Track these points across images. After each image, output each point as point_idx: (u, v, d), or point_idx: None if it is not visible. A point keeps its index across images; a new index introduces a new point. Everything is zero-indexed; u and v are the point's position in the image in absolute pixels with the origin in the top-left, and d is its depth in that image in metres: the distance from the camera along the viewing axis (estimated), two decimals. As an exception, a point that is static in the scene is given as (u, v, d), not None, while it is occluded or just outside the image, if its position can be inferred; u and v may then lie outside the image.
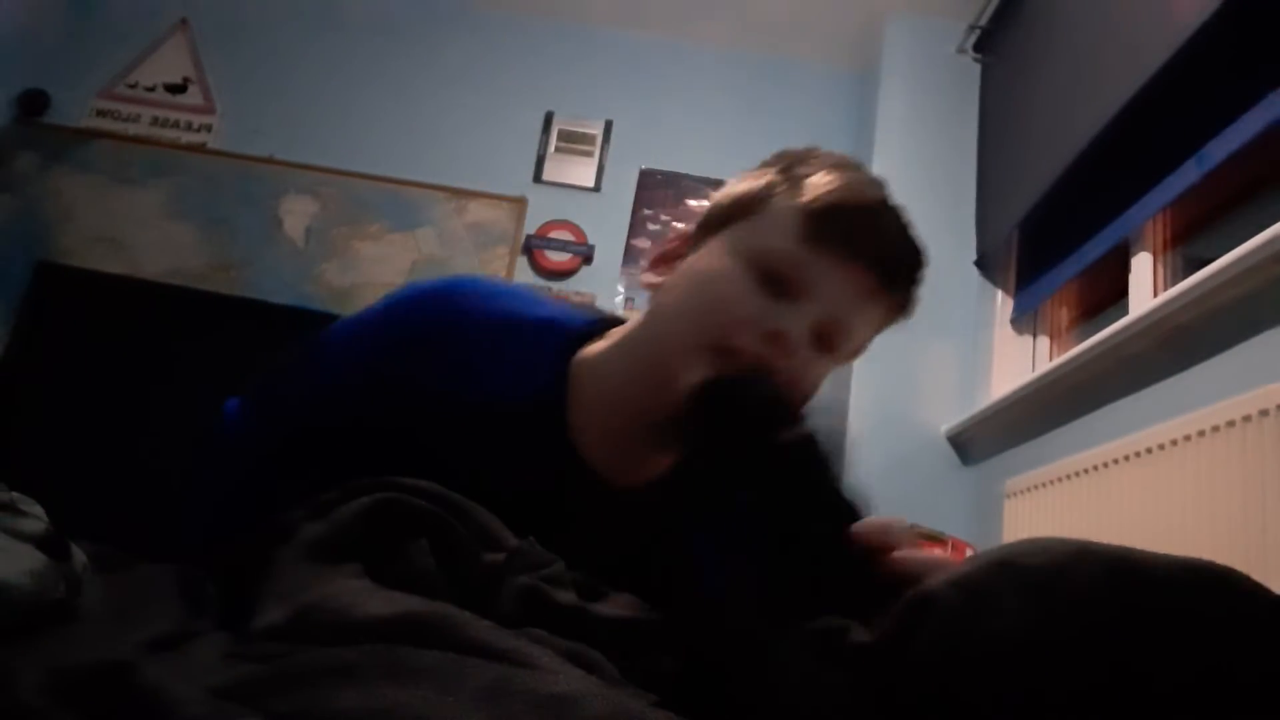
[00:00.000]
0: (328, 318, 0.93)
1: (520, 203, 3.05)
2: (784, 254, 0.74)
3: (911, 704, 0.41)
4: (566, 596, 0.51)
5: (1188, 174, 1.66)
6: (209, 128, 3.09)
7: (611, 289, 3.01)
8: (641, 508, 0.79)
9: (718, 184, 3.34)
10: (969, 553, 2.00)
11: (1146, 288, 1.86)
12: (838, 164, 0.83)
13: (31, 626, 0.42)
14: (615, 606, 0.55)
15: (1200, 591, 0.40)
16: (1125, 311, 1.77)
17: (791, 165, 0.82)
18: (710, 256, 0.77)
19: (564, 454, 0.77)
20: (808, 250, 0.75)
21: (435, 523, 0.55)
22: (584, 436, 0.78)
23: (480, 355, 0.78)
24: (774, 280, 0.74)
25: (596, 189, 3.11)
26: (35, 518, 0.48)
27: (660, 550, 0.78)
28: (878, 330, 0.86)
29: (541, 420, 0.78)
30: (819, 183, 0.79)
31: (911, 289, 0.84)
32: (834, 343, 0.78)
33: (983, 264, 2.64)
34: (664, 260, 0.82)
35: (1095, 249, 2.01)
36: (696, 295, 0.75)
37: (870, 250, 0.78)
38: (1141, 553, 0.43)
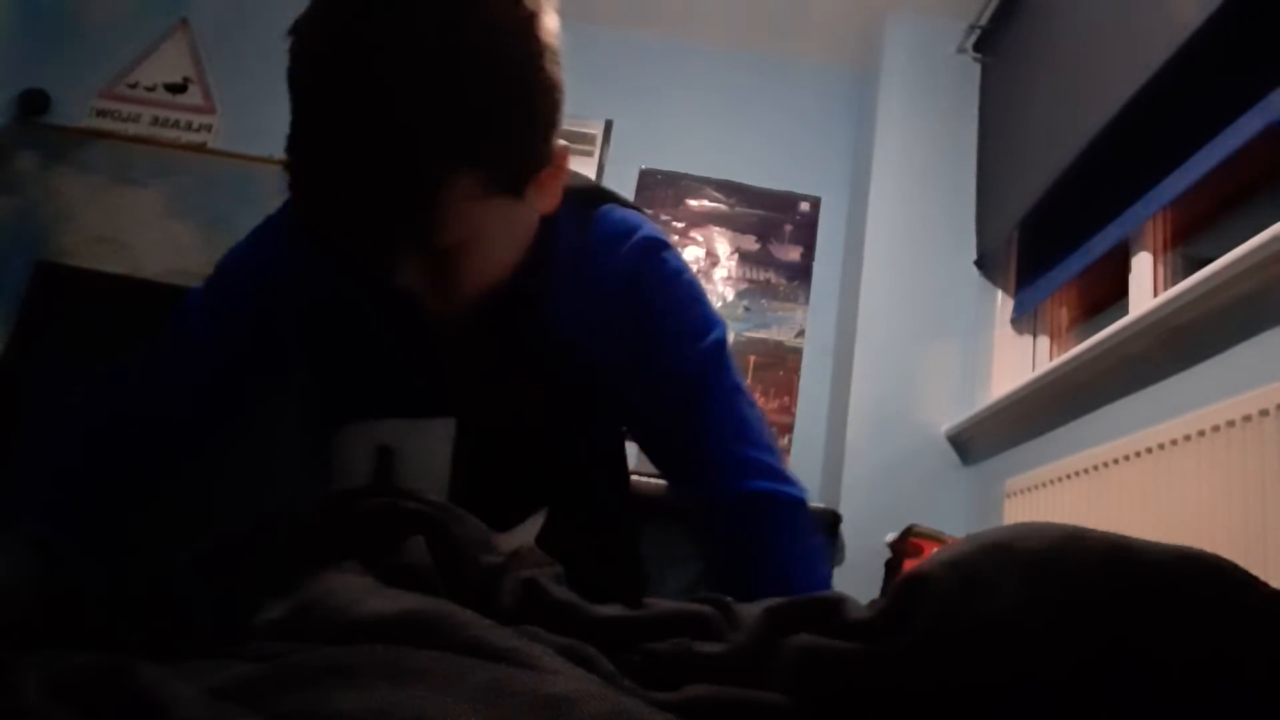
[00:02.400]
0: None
1: (520, 203, 3.05)
2: None
3: (906, 682, 0.42)
4: (561, 590, 0.51)
5: (1188, 174, 1.66)
6: (209, 128, 3.09)
7: (611, 289, 3.01)
8: (472, 320, 0.81)
9: (718, 184, 3.37)
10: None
11: (1146, 288, 1.86)
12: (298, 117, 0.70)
13: (29, 624, 0.42)
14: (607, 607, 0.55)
15: (1195, 577, 0.41)
16: (1125, 311, 1.76)
17: None
18: None
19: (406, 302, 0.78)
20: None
21: (431, 523, 0.56)
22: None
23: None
24: None
25: (596, 189, 3.11)
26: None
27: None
28: (490, 187, 0.72)
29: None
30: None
31: (433, 150, 0.65)
32: (448, 256, 0.74)
33: (983, 264, 2.64)
34: None
35: (1095, 249, 2.01)
36: None
37: (347, 225, 0.68)
38: (1136, 540, 0.43)
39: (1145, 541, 0.43)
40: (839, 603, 0.47)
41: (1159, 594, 0.40)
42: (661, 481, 0.98)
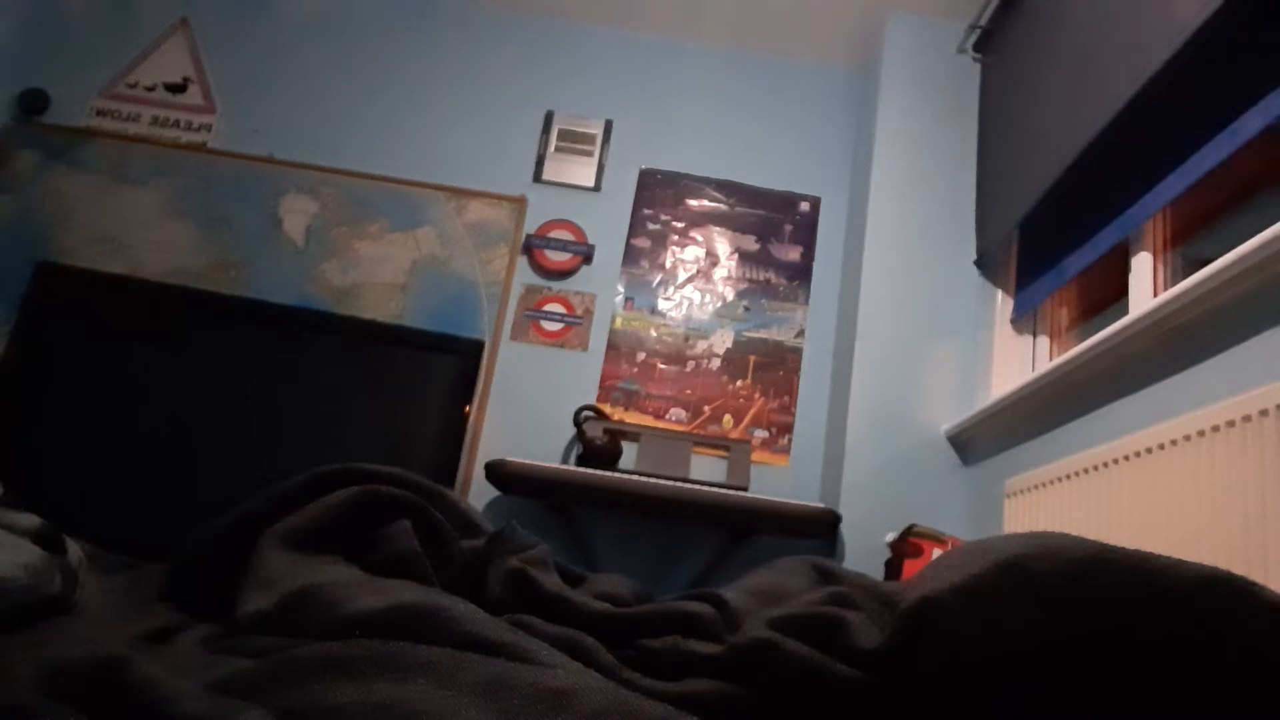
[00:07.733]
0: (328, 317, 0.97)
1: (520, 202, 3.05)
2: None
3: (917, 711, 0.41)
4: (553, 582, 0.51)
5: (1188, 174, 1.66)
6: (209, 127, 3.09)
7: (612, 288, 3.01)
8: None
9: (718, 184, 3.46)
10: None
11: (1146, 288, 1.86)
12: None
13: (27, 620, 0.42)
14: (597, 588, 0.55)
15: (1221, 609, 0.39)
16: (1125, 311, 1.76)
17: None
18: None
19: None
20: None
21: (414, 507, 0.55)
22: None
23: None
24: None
25: (596, 189, 3.11)
26: (29, 514, 0.47)
27: None
28: None
29: None
30: None
31: None
32: None
33: (983, 264, 2.64)
34: None
35: (1095, 249, 2.01)
36: None
37: None
38: (1157, 561, 0.41)
39: (1167, 564, 0.41)
40: (844, 623, 0.46)
41: (1184, 633, 0.38)
42: (669, 482, 0.99)
